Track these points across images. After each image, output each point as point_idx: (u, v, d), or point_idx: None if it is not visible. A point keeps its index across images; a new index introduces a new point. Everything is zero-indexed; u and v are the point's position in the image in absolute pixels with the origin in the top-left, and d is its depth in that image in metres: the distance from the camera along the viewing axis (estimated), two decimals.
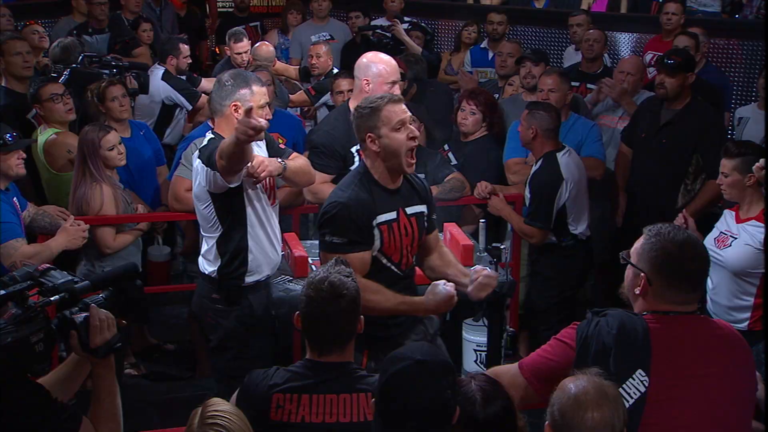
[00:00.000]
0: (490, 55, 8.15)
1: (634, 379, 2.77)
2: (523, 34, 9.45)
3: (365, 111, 3.81)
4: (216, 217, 4.38)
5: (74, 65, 6.42)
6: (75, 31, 8.41)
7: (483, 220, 5.12)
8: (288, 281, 4.65)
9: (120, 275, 3.01)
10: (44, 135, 5.77)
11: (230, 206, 4.36)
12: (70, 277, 2.80)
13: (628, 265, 2.97)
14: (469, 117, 5.96)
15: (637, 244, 2.96)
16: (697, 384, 2.83)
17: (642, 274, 2.89)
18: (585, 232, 5.66)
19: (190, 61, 7.57)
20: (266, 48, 7.34)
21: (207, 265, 4.51)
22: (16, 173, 4.81)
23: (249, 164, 4.10)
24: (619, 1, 9.23)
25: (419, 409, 2.49)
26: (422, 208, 4.02)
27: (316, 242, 5.16)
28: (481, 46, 8.57)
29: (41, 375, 2.82)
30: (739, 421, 2.92)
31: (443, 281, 3.77)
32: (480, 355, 5.20)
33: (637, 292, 2.92)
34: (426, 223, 4.05)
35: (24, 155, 4.92)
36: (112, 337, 2.72)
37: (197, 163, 4.30)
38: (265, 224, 4.48)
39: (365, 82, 4.77)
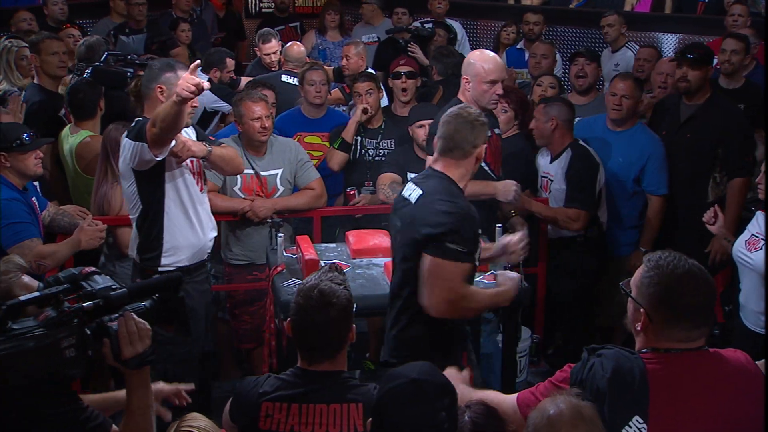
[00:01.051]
0: (526, 55, 7.96)
1: (630, 427, 2.59)
2: (561, 34, 9.26)
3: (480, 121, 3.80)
4: (138, 196, 4.47)
5: (97, 63, 6.37)
6: (113, 32, 8.42)
7: (499, 225, 4.93)
8: (297, 284, 4.46)
9: (162, 285, 2.91)
10: (77, 137, 5.70)
11: (151, 184, 4.44)
12: (110, 283, 2.71)
13: (629, 298, 2.75)
14: (501, 115, 5.75)
15: (637, 275, 2.74)
16: (696, 425, 2.63)
17: (642, 309, 2.67)
18: (606, 222, 5.66)
19: (233, 76, 7.43)
20: (297, 48, 7.23)
21: (132, 250, 4.64)
22: (33, 172, 4.74)
23: (173, 143, 4.25)
24: (663, 1, 8.97)
25: (411, 429, 2.43)
26: None
27: (332, 246, 5.20)
28: (517, 46, 8.40)
29: (73, 381, 2.79)
30: None
31: (505, 270, 4.00)
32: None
33: (638, 328, 2.69)
34: None
35: (41, 155, 4.86)
36: (145, 349, 2.61)
37: (125, 140, 4.37)
38: (187, 207, 4.55)
39: (465, 80, 4.76)
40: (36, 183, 5.12)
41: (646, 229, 5.63)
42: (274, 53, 7.55)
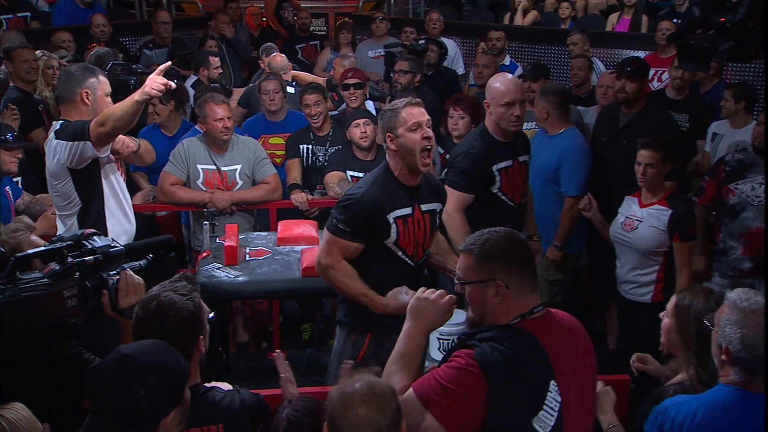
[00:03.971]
0: None
1: (551, 393, 2.51)
2: (531, 50, 9.26)
3: (387, 113, 3.78)
4: (75, 193, 4.35)
5: (104, 72, 6.54)
6: (139, 46, 8.69)
7: None
8: (216, 268, 4.52)
9: (155, 245, 3.02)
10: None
11: (88, 180, 4.36)
12: (109, 242, 2.84)
13: (473, 287, 2.62)
14: (459, 122, 5.75)
15: (466, 263, 2.64)
16: (582, 381, 2.66)
17: (494, 282, 2.56)
18: None
19: (220, 71, 7.53)
20: (280, 59, 7.25)
21: None
22: (8, 169, 4.72)
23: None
24: (640, 21, 8.85)
25: (105, 402, 2.15)
26: (436, 206, 3.95)
27: (264, 234, 5.23)
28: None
29: (75, 328, 2.82)
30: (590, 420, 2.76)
31: (405, 288, 3.65)
32: (443, 343, 4.84)
33: (498, 302, 2.58)
34: (438, 220, 3.99)
35: (20, 155, 4.87)
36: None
37: (54, 143, 4.26)
38: (121, 197, 4.54)
39: (486, 105, 4.62)
40: (18, 179, 5.19)
41: (559, 227, 5.50)
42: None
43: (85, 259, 2.72)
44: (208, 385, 2.73)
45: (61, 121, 4.33)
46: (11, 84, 6.27)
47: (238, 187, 5.50)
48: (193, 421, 2.52)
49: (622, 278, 4.94)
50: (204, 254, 4.70)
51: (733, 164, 5.12)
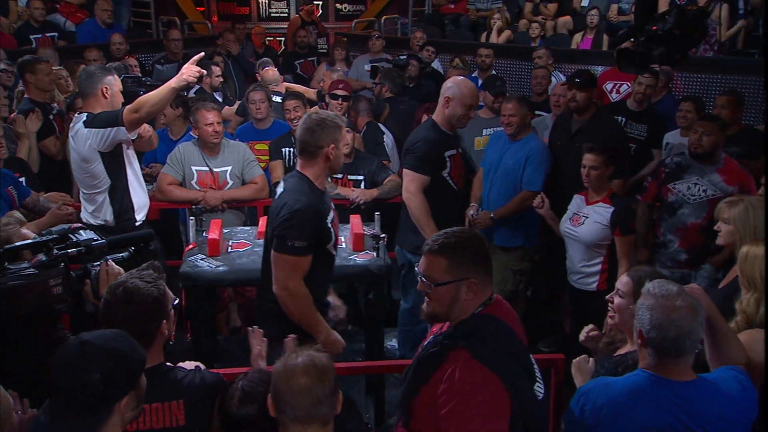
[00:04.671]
0: (479, 82, 7.86)
1: (534, 364, 2.53)
2: (507, 65, 9.30)
3: (332, 124, 3.52)
4: (105, 173, 4.64)
5: None
6: (152, 61, 8.75)
7: (377, 212, 4.98)
8: (200, 259, 4.52)
9: (136, 239, 3.05)
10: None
11: (115, 160, 4.64)
12: (92, 236, 2.84)
13: (446, 287, 2.54)
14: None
15: (432, 264, 2.56)
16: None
17: (467, 280, 2.52)
18: None
19: (221, 80, 7.57)
20: (272, 72, 7.28)
21: (99, 218, 4.75)
22: None
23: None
24: (601, 40, 8.84)
25: (62, 388, 2.07)
26: None
27: (247, 228, 5.21)
28: (473, 75, 8.30)
29: (61, 314, 2.78)
30: None
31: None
32: None
33: (470, 298, 2.54)
34: None
35: (3, 152, 4.88)
36: None
37: (85, 131, 4.51)
38: (137, 173, 4.86)
39: (447, 99, 4.64)
40: (22, 179, 5.21)
41: (505, 205, 5.38)
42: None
43: (69, 251, 2.72)
44: (170, 365, 2.68)
45: (85, 113, 4.58)
46: (26, 96, 6.30)
47: (228, 186, 5.52)
48: (156, 397, 2.52)
49: (571, 269, 4.97)
50: (190, 246, 4.71)
51: (671, 166, 5.16)
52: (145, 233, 3.15)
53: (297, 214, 3.38)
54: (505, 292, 5.43)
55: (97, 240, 2.83)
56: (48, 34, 9.49)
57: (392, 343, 5.51)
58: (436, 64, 8.92)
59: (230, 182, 5.53)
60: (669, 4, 7.20)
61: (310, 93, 7.93)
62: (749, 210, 3.71)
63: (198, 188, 5.47)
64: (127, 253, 2.92)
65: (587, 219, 4.78)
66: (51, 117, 6.18)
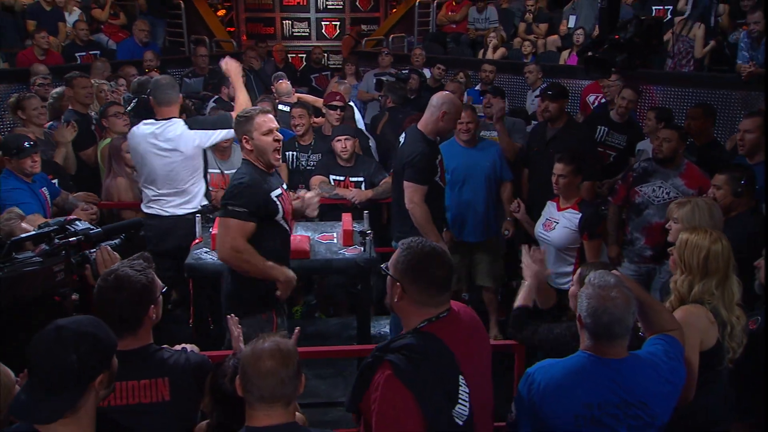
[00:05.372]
0: (478, 94, 7.91)
1: (461, 386, 2.40)
2: (509, 80, 9.26)
3: (241, 119, 3.75)
4: (203, 165, 4.96)
5: (142, 95, 6.66)
6: (181, 75, 8.83)
7: (366, 211, 5.01)
8: (204, 252, 4.57)
9: (127, 227, 3.07)
10: (103, 142, 5.94)
11: (203, 156, 4.96)
12: (88, 226, 2.89)
13: (388, 276, 2.52)
14: None
15: (394, 256, 2.53)
16: (481, 373, 2.55)
17: (398, 283, 2.46)
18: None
19: None
20: (285, 85, 7.33)
21: (190, 207, 4.96)
22: (29, 172, 4.78)
23: None
24: None
25: (40, 369, 2.06)
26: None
27: None
28: (476, 88, 8.34)
29: (64, 298, 2.80)
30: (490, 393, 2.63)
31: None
32: None
33: (396, 300, 2.48)
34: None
35: (38, 158, 4.86)
36: None
37: (191, 132, 4.81)
38: None
39: (443, 113, 4.60)
40: (55, 180, 5.28)
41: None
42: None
43: (70, 240, 2.76)
44: (157, 346, 2.68)
45: (178, 119, 4.87)
46: (69, 107, 6.36)
47: None
48: (143, 374, 2.55)
49: (552, 271, 4.82)
50: (197, 241, 4.76)
51: (639, 171, 5.16)
52: (135, 221, 3.19)
53: (235, 187, 3.62)
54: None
55: (93, 229, 2.88)
56: (91, 52, 9.58)
57: (386, 329, 5.53)
58: (427, 73, 8.91)
59: None
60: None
61: (319, 103, 7.99)
62: (695, 210, 3.72)
63: (211, 189, 5.47)
64: (119, 240, 2.95)
65: (557, 224, 4.72)
66: (92, 127, 6.24)
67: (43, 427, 2.05)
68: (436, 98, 4.71)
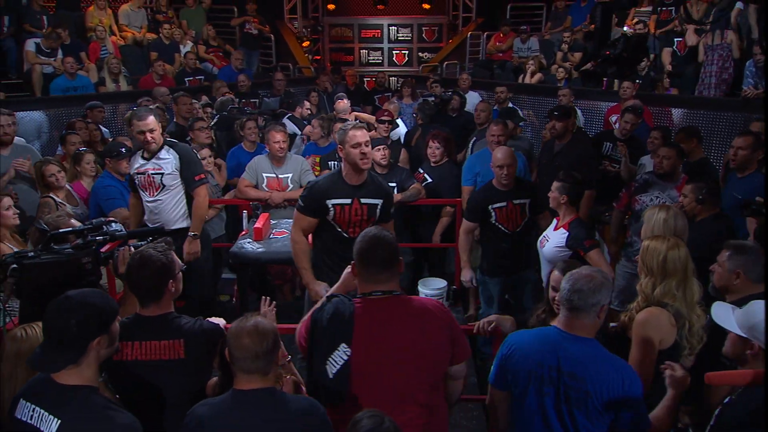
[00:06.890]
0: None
1: (339, 350, 2.37)
2: (544, 102, 8.74)
3: (341, 131, 3.71)
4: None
5: (223, 112, 6.69)
6: (261, 95, 8.84)
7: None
8: (247, 242, 4.48)
9: (151, 231, 3.04)
10: None
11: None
12: (119, 228, 2.88)
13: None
14: (436, 151, 5.54)
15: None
16: (392, 357, 2.36)
17: (352, 262, 2.50)
18: None
19: (309, 112, 7.50)
20: (343, 104, 7.17)
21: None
22: (124, 171, 4.78)
23: None
24: (612, 82, 8.09)
25: (49, 329, 2.12)
26: (378, 201, 3.75)
27: (285, 220, 5.10)
28: (494, 107, 7.78)
29: (92, 286, 2.74)
30: (426, 383, 2.42)
31: (325, 285, 3.52)
32: None
33: (349, 274, 2.61)
34: (379, 212, 3.75)
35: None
36: None
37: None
38: None
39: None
40: None
41: None
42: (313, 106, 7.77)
43: (98, 238, 2.74)
44: (177, 314, 2.66)
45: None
46: (174, 120, 6.43)
47: (289, 189, 5.43)
48: (163, 336, 2.55)
49: (544, 280, 4.44)
50: (243, 232, 4.70)
51: (640, 182, 4.90)
52: (157, 228, 3.17)
53: (307, 185, 3.78)
54: None
55: (120, 231, 2.84)
56: (197, 77, 9.76)
57: None
58: (474, 95, 8.53)
59: (291, 186, 5.44)
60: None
61: (372, 119, 7.80)
62: (653, 219, 3.44)
63: (267, 190, 5.42)
64: (144, 242, 2.88)
65: (548, 242, 4.24)
66: (188, 138, 6.25)
67: (55, 375, 2.11)
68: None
